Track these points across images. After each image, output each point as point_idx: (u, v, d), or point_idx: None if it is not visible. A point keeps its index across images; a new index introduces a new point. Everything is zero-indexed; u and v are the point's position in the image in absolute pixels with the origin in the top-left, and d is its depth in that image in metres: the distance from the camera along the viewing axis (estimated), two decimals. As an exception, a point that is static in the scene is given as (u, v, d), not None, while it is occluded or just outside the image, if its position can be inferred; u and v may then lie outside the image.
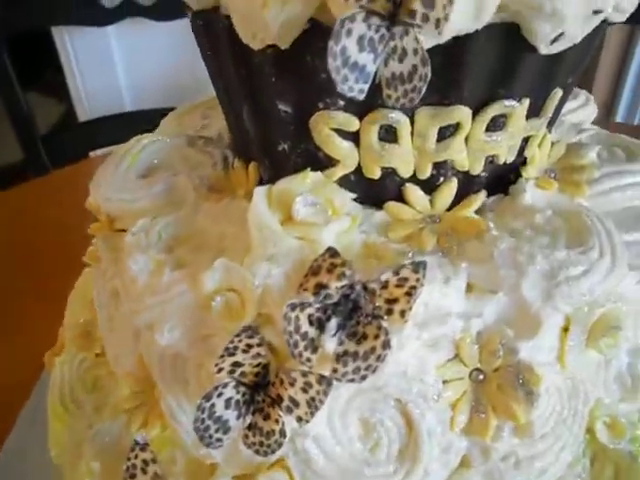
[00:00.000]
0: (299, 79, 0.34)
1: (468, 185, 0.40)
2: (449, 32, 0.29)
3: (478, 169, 0.39)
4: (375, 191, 0.39)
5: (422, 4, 0.27)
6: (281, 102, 0.36)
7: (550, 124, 0.41)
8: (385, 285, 0.33)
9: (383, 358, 0.31)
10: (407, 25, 0.29)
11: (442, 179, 0.39)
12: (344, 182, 0.39)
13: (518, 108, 0.36)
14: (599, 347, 0.35)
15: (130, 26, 1.33)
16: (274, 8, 0.30)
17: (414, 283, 0.32)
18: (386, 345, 0.32)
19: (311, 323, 0.33)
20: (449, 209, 0.40)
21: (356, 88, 0.30)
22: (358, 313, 0.33)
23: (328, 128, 0.36)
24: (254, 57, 0.35)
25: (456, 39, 0.31)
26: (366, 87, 0.30)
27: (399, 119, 0.35)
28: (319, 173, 0.38)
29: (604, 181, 0.42)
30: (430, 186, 0.39)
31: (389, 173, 0.38)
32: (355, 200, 0.40)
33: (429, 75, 0.29)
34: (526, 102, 0.37)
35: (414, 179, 0.39)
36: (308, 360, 0.32)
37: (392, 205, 0.39)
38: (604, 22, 0.35)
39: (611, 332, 0.34)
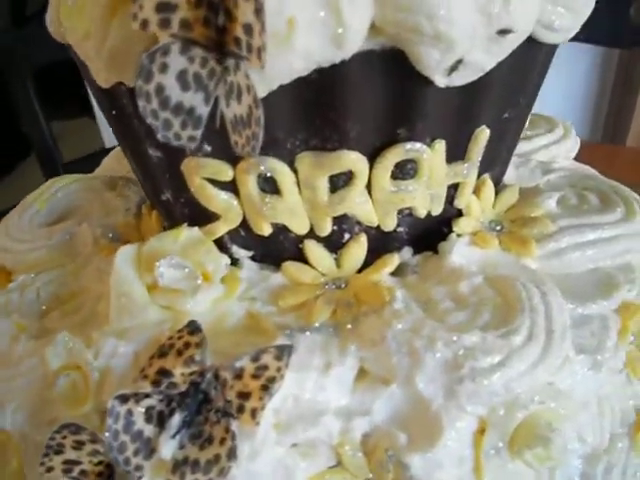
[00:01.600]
0: (132, 121, 0.29)
1: (384, 242, 0.33)
2: (284, 64, 0.23)
3: (391, 224, 0.32)
4: (271, 248, 0.33)
5: (243, 30, 0.22)
6: (150, 146, 0.31)
7: (489, 166, 0.34)
8: (240, 374, 0.26)
9: (226, 472, 0.25)
10: (237, 57, 0.23)
11: (348, 235, 0.32)
12: (235, 238, 0.33)
13: (428, 152, 0.30)
14: (526, 460, 0.27)
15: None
16: (94, 39, 0.25)
17: (273, 373, 0.26)
18: (231, 455, 0.25)
19: (149, 419, 0.27)
20: (361, 270, 0.33)
21: (184, 135, 0.24)
22: (207, 407, 0.27)
23: (200, 177, 0.30)
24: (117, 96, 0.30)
25: (320, 72, 0.25)
26: (198, 133, 0.24)
27: (275, 167, 0.29)
28: (196, 230, 0.32)
29: (560, 237, 0.34)
30: (335, 243, 0.33)
31: (281, 229, 0.32)
32: (252, 258, 0.34)
33: (262, 119, 0.23)
34: (440, 144, 0.30)
35: (314, 235, 0.32)
36: (138, 469, 0.26)
37: (290, 265, 0.33)
38: (535, 42, 0.28)
39: (539, 442, 0.26)
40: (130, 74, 0.27)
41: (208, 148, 0.29)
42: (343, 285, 0.33)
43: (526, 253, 0.34)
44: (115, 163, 0.53)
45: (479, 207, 0.34)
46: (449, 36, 0.24)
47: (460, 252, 0.33)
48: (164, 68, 0.23)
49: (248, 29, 0.21)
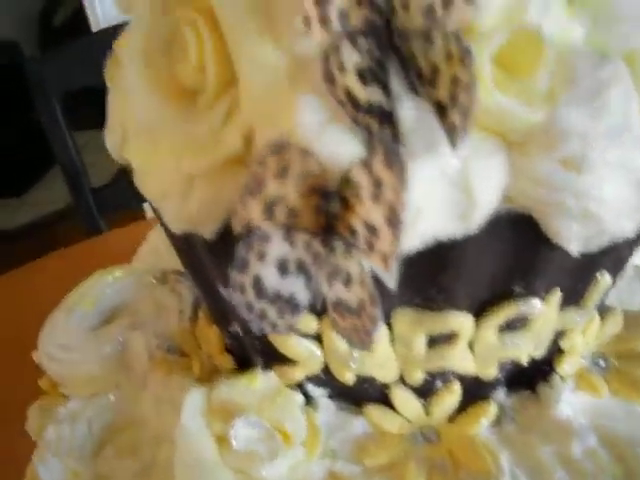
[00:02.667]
0: (206, 269, 0.26)
1: (479, 387, 0.30)
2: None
3: (491, 374, 0.28)
4: (352, 392, 0.30)
5: (365, 228, 0.18)
6: (224, 290, 0.28)
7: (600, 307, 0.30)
8: None
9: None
10: (349, 244, 0.20)
11: (440, 384, 0.29)
12: (312, 378, 0.30)
13: (542, 305, 0.26)
14: None
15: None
16: (172, 202, 0.22)
17: None
18: None
19: None
20: (452, 417, 0.30)
21: (281, 324, 0.21)
22: None
23: (279, 325, 0.27)
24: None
25: (440, 243, 0.22)
26: (296, 320, 0.21)
27: (368, 325, 0.25)
28: (272, 376, 0.29)
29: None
30: (425, 391, 0.29)
31: (367, 378, 0.29)
32: (329, 396, 0.31)
33: (378, 317, 0.20)
34: (555, 295, 0.26)
35: (402, 382, 0.29)
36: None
37: (373, 410, 0.30)
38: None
39: None
40: (210, 230, 0.24)
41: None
42: (434, 437, 0.29)
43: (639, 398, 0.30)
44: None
45: (583, 343, 0.31)
46: (598, 215, 0.20)
47: (566, 400, 0.29)
48: (262, 256, 0.20)
49: (371, 229, 0.18)
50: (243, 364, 0.32)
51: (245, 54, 0.19)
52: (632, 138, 0.19)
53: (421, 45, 0.19)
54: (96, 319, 0.41)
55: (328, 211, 0.19)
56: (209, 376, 0.34)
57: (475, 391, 0.30)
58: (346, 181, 0.18)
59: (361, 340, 0.21)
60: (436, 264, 0.23)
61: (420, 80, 0.20)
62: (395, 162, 0.17)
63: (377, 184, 0.17)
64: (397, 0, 0.20)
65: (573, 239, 0.21)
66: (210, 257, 0.26)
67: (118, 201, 1.15)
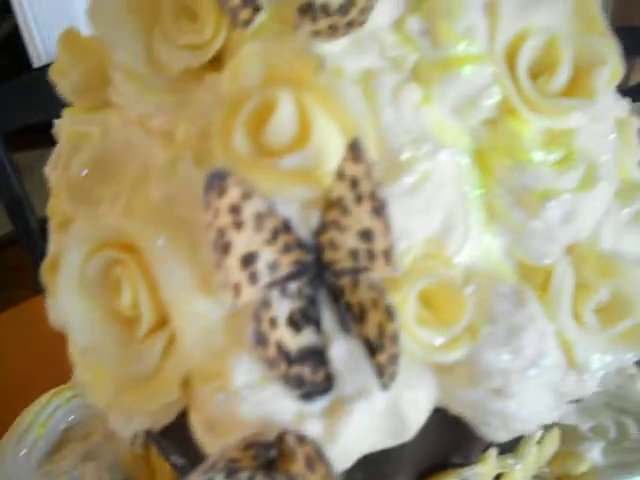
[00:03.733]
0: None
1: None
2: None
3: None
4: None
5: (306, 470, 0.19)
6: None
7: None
8: None
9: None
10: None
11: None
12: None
13: (480, 465, 0.27)
14: None
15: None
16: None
17: None
18: None
19: None
20: None
21: None
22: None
23: None
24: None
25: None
26: None
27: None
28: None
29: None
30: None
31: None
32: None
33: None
34: (492, 453, 0.28)
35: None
36: None
37: None
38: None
39: None
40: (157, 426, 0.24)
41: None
42: None
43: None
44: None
45: (523, 476, 0.32)
46: (522, 425, 0.21)
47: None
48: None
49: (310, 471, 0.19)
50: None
51: (179, 305, 0.20)
52: (549, 362, 0.21)
53: (349, 283, 0.20)
54: (47, 446, 0.41)
55: (267, 456, 0.20)
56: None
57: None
58: (280, 439, 0.19)
59: None
60: (376, 461, 0.24)
61: (350, 314, 0.20)
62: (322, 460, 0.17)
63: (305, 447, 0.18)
64: (325, 239, 0.20)
65: (498, 436, 0.23)
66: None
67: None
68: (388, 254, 0.18)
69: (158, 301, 0.20)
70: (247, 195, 0.18)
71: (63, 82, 0.25)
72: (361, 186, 0.18)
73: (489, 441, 0.26)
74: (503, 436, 0.22)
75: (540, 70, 0.23)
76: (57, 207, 0.29)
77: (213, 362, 0.19)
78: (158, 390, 0.20)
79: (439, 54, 0.22)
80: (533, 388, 0.21)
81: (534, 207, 0.21)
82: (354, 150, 0.18)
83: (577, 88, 0.23)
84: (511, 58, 0.23)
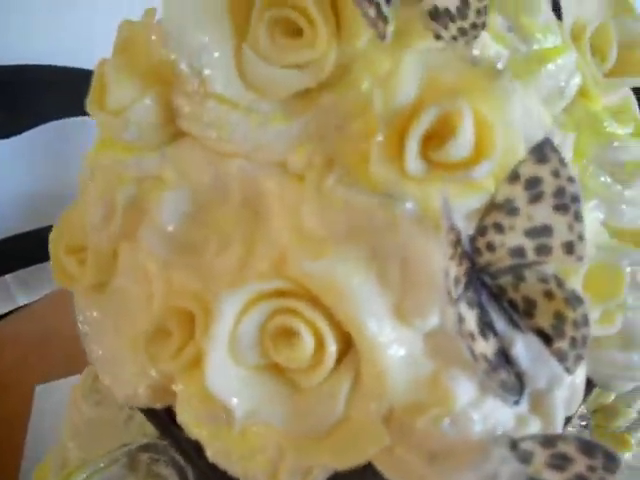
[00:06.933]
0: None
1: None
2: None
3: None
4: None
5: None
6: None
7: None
8: None
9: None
10: None
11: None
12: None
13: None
14: None
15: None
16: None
17: None
18: None
19: None
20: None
21: None
22: None
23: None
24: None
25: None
26: None
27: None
28: None
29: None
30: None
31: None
32: None
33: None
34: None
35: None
36: None
37: None
38: None
39: None
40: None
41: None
42: None
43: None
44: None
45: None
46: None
47: None
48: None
49: None
50: None
51: (375, 338, 0.18)
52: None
53: (510, 281, 0.21)
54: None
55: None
56: None
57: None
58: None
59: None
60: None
61: (515, 311, 0.21)
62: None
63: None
64: (482, 242, 0.21)
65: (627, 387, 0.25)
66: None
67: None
68: (572, 246, 0.19)
69: (340, 341, 0.19)
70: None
71: (119, 121, 0.22)
72: (543, 186, 0.18)
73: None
74: (629, 387, 0.25)
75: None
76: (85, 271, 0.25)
77: (424, 390, 0.18)
78: (357, 437, 0.19)
79: (530, 48, 0.23)
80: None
81: (629, 178, 0.24)
82: (540, 150, 0.18)
83: (622, 65, 0.26)
84: (577, 45, 0.24)
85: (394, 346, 0.18)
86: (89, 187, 0.24)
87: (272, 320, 0.19)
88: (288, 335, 0.19)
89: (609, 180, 0.24)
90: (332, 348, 0.19)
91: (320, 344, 0.19)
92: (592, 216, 0.25)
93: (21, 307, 0.86)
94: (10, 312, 0.81)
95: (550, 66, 0.23)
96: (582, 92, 0.25)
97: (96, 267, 0.25)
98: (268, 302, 0.19)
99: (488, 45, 0.22)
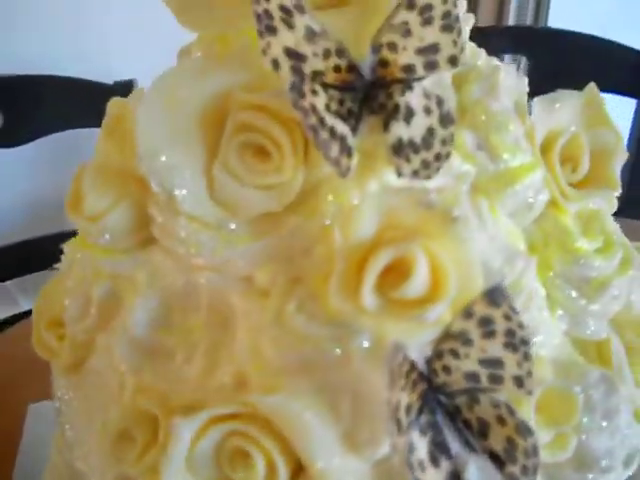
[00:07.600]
0: None
1: None
2: None
3: None
4: None
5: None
6: None
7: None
8: None
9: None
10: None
11: None
12: None
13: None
14: None
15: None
16: None
17: None
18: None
19: None
20: None
21: None
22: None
23: None
24: None
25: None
26: None
27: None
28: None
29: None
30: None
31: None
32: None
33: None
34: None
35: None
36: None
37: None
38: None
39: None
40: None
41: None
42: None
43: None
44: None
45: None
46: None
47: None
48: None
49: None
50: None
51: (325, 466, 0.19)
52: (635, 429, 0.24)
53: (465, 402, 0.21)
54: None
55: None
56: None
57: None
58: None
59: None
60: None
61: (469, 431, 0.21)
62: None
63: None
64: (438, 365, 0.21)
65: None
66: None
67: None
68: (521, 380, 0.20)
69: (292, 466, 0.20)
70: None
71: (94, 227, 0.22)
72: (495, 325, 0.19)
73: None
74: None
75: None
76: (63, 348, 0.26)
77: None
78: None
79: (498, 167, 0.23)
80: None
81: (594, 294, 0.24)
82: (492, 295, 0.19)
83: (594, 175, 0.26)
84: (547, 157, 0.25)
85: (342, 475, 0.19)
86: (67, 277, 0.25)
87: (229, 440, 0.20)
88: (244, 455, 0.20)
89: (575, 294, 0.24)
90: (282, 471, 0.19)
91: (272, 468, 0.19)
92: (555, 327, 0.25)
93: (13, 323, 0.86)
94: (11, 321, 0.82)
95: (517, 186, 0.23)
96: (552, 203, 0.25)
97: (73, 351, 0.26)
98: (224, 424, 0.19)
99: (456, 166, 0.23)
